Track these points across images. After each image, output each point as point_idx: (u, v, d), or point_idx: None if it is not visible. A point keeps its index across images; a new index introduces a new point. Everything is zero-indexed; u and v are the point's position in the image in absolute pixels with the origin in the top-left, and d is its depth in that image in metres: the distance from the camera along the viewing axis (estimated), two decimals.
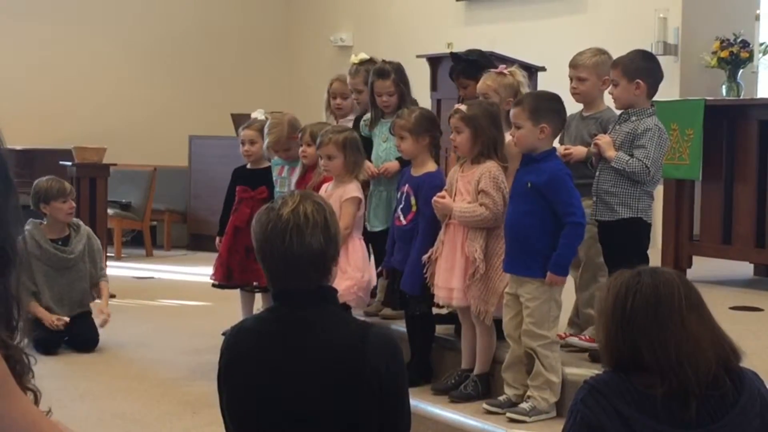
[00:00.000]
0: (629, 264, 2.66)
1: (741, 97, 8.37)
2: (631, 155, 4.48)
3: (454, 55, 5.73)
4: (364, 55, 5.97)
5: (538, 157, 4.34)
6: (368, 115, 5.79)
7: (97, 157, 9.15)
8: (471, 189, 4.62)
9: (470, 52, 5.70)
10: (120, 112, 11.98)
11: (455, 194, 4.70)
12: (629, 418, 2.44)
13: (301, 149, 5.75)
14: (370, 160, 5.57)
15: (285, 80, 13.01)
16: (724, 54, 8.57)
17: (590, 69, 4.81)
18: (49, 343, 6.42)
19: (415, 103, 5.65)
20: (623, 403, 2.46)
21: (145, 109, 12.16)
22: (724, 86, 8.64)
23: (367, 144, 5.63)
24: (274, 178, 6.22)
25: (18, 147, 10.27)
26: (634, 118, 4.56)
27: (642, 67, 4.59)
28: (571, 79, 4.92)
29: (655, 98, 4.73)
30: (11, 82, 11.33)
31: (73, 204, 6.79)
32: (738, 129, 6.81)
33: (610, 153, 4.50)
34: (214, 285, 6.47)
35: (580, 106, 5.02)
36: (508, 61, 5.51)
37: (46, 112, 11.47)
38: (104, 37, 12.05)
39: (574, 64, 4.90)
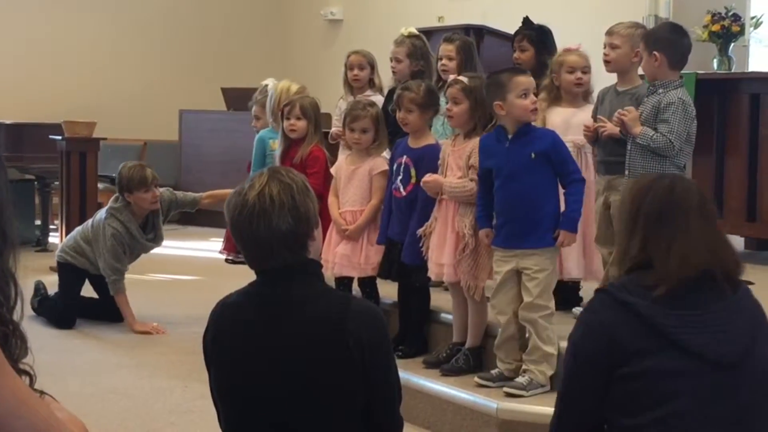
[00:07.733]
0: None
1: (732, 71, 8.35)
2: (656, 129, 4.50)
3: (526, 19, 5.86)
4: (413, 30, 6.01)
5: (530, 128, 4.34)
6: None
7: (87, 131, 9.08)
8: (462, 164, 4.60)
9: (542, 26, 5.92)
10: (110, 86, 11.92)
11: (446, 169, 4.69)
12: (634, 304, 2.54)
13: (290, 122, 5.67)
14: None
15: (276, 54, 12.94)
16: (715, 28, 8.54)
17: (624, 38, 4.80)
18: (65, 318, 6.47)
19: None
20: (626, 293, 2.57)
21: (136, 83, 12.10)
22: (715, 60, 8.62)
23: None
24: (267, 152, 6.10)
25: (7, 121, 10.21)
26: (660, 91, 4.58)
27: (661, 38, 4.61)
28: (606, 47, 4.92)
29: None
30: None
31: (157, 193, 6.60)
32: (729, 103, 6.81)
33: (636, 129, 4.52)
34: (227, 260, 6.40)
35: (611, 81, 5.00)
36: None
37: (35, 86, 11.40)
38: (94, 11, 11.97)
39: (609, 32, 4.91)
